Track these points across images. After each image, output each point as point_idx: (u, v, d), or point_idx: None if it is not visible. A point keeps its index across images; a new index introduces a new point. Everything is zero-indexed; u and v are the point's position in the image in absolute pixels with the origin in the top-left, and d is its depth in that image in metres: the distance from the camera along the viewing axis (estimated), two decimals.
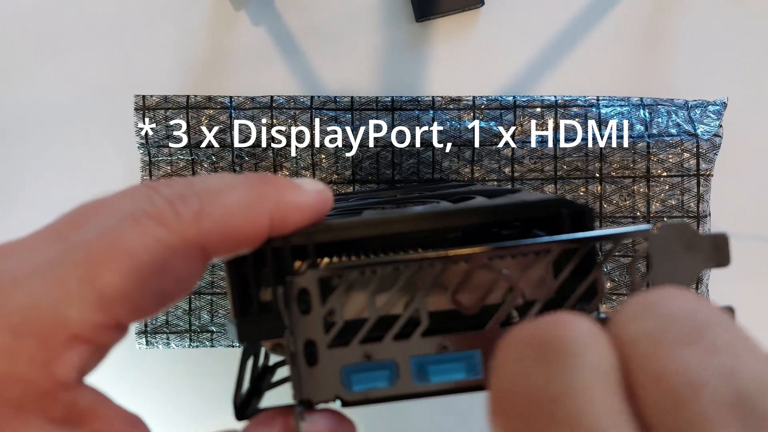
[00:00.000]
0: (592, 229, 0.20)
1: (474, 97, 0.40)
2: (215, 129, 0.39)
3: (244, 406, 0.21)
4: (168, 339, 0.39)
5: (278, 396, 0.22)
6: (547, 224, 0.20)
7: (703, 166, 0.39)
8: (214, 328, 0.39)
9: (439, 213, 0.20)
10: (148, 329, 0.39)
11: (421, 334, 0.19)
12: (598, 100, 0.40)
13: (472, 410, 0.41)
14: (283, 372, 0.24)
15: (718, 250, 0.18)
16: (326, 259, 0.20)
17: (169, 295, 0.17)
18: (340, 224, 0.19)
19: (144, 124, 0.39)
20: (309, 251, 0.19)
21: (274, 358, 0.26)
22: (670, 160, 0.39)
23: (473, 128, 0.39)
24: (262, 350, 0.25)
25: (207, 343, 0.39)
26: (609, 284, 0.39)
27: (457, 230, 0.21)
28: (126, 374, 0.41)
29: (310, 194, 0.19)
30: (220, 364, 0.41)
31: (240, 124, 0.39)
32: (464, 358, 0.19)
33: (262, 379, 0.24)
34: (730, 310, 0.19)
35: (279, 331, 0.19)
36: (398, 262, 0.18)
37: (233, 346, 0.40)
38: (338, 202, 0.29)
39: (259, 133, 0.39)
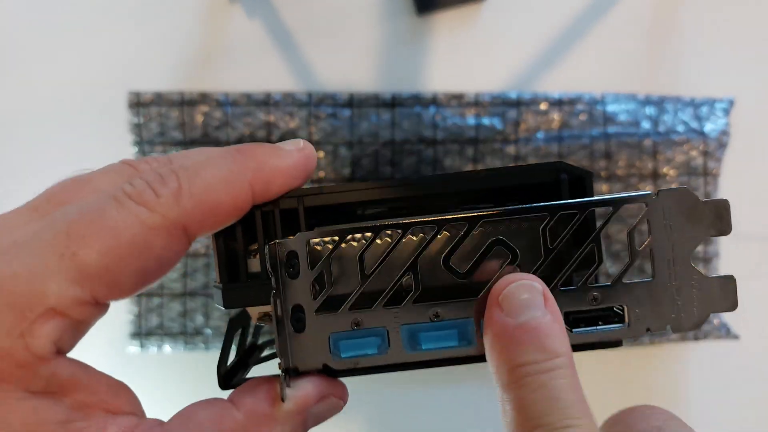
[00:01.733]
0: (592, 195, 0.19)
1: (477, 93, 0.39)
2: (210, 126, 0.38)
3: (230, 376, 0.21)
4: (162, 341, 0.38)
5: (268, 371, 0.22)
6: (548, 196, 0.20)
7: (710, 164, 0.38)
8: (209, 331, 0.38)
9: (435, 177, 0.20)
10: (143, 331, 0.38)
11: (413, 302, 0.18)
12: (603, 97, 0.39)
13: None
14: (271, 350, 0.24)
15: (719, 218, 0.18)
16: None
17: (150, 274, 0.17)
18: (331, 187, 0.19)
19: (138, 120, 0.38)
20: (299, 215, 0.19)
21: (263, 338, 0.26)
22: (677, 159, 0.38)
23: (475, 125, 0.38)
24: (251, 329, 0.24)
25: (201, 345, 0.38)
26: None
27: (456, 201, 0.21)
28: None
29: (292, 154, 0.19)
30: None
31: (236, 121, 0.38)
32: (457, 326, 0.18)
33: (250, 355, 0.24)
34: (730, 278, 0.18)
35: (266, 298, 0.18)
36: (391, 227, 0.18)
37: None
38: None
39: (255, 130, 0.38)
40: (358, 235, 0.18)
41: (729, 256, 0.39)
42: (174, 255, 0.17)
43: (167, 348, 0.38)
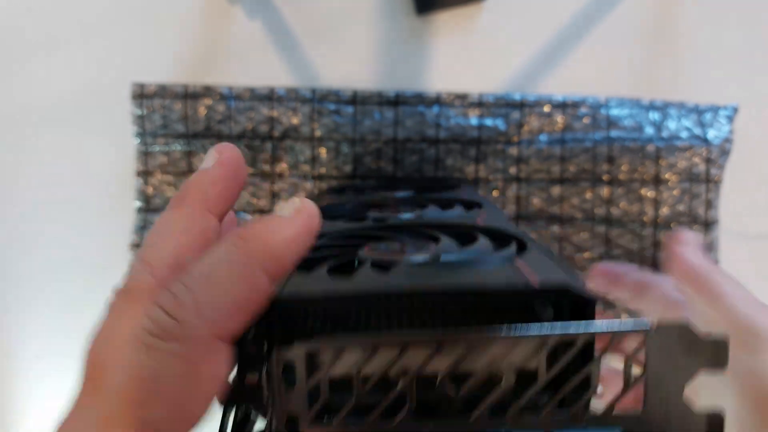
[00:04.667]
0: (593, 318, 0.19)
1: (480, 93, 0.38)
2: (213, 119, 0.38)
3: None
4: None
5: None
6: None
7: (712, 171, 0.38)
8: None
9: (424, 292, 0.19)
10: None
11: (407, 416, 0.18)
12: (606, 101, 0.39)
13: None
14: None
15: (716, 354, 0.18)
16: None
17: (209, 394, 0.17)
18: (334, 297, 0.19)
19: (141, 112, 0.38)
20: (300, 321, 0.19)
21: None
22: (680, 165, 0.38)
23: (478, 126, 0.38)
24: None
25: None
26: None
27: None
28: None
29: (294, 221, 0.18)
30: None
31: (239, 116, 0.38)
32: None
33: (245, 426, 0.24)
34: (718, 416, 0.18)
35: (262, 406, 0.18)
36: (390, 342, 0.18)
37: None
38: (333, 208, 0.28)
39: (258, 124, 0.38)
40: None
41: (729, 259, 0.39)
42: (222, 369, 0.17)
43: None
